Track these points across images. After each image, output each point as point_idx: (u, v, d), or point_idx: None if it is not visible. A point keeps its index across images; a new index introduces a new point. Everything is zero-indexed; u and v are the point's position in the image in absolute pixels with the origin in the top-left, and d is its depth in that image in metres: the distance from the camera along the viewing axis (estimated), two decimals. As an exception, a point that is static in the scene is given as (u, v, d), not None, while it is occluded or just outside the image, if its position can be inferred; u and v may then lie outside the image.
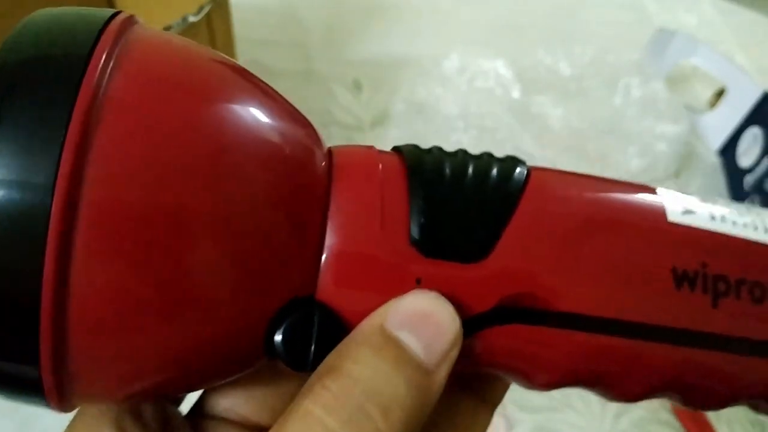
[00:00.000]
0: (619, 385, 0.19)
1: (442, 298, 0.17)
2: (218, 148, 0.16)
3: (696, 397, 0.19)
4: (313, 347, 0.17)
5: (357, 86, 0.61)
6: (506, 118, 0.56)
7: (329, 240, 0.17)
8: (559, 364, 0.18)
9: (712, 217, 0.19)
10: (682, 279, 0.18)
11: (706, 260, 0.19)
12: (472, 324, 0.18)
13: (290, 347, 0.17)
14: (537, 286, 0.18)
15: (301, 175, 0.17)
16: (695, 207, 0.20)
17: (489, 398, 0.23)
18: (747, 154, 0.56)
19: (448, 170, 0.18)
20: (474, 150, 0.20)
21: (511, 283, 0.18)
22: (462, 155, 0.19)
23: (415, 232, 0.17)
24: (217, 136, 0.16)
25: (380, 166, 0.18)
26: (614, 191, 0.20)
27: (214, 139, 0.16)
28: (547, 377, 0.19)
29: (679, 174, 0.58)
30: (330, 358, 0.16)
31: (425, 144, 0.19)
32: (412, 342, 0.16)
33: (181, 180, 0.15)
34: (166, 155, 0.15)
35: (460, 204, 0.18)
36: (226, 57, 0.18)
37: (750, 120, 0.56)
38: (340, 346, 0.17)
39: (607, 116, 0.58)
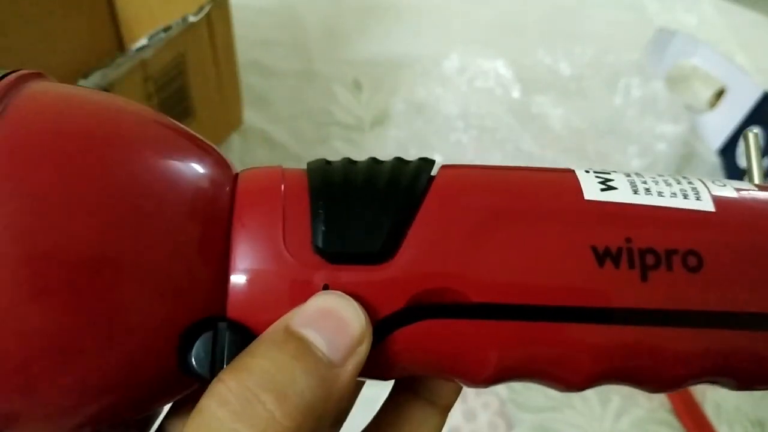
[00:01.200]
0: (560, 373, 0.19)
1: (346, 296, 0.17)
2: (109, 188, 0.16)
3: (645, 378, 0.19)
4: (226, 364, 0.17)
5: (357, 86, 0.61)
6: (506, 118, 0.56)
7: (235, 260, 0.18)
8: (487, 356, 0.18)
9: (635, 191, 0.19)
10: (605, 256, 0.18)
11: (629, 235, 0.18)
12: (386, 324, 0.18)
13: (202, 366, 0.17)
14: (448, 281, 0.18)
15: (201, 206, 0.18)
16: (617, 183, 0.19)
17: (438, 401, 0.23)
18: (747, 154, 0.56)
19: (349, 179, 0.19)
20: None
21: (420, 281, 0.18)
22: (367, 163, 0.19)
23: (317, 240, 0.18)
24: (109, 177, 0.16)
25: (282, 186, 0.19)
26: (526, 178, 0.20)
27: (104, 180, 0.16)
28: (480, 371, 0.19)
29: (679, 174, 0.58)
30: (234, 359, 0.17)
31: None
32: (314, 338, 0.17)
33: (67, 221, 0.16)
34: (52, 196, 0.16)
35: (360, 209, 0.18)
36: (133, 103, 0.19)
37: (750, 120, 0.56)
38: (246, 348, 0.17)
39: (607, 116, 0.58)
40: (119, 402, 0.17)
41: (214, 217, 0.18)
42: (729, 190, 0.20)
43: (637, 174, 0.20)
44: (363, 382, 0.25)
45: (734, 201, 0.19)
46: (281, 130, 0.57)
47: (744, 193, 0.20)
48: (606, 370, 0.18)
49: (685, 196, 0.19)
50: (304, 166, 0.20)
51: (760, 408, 0.45)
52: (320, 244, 0.18)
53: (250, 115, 0.57)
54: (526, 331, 0.18)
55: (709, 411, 0.45)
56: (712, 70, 0.60)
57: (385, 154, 0.63)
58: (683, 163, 0.58)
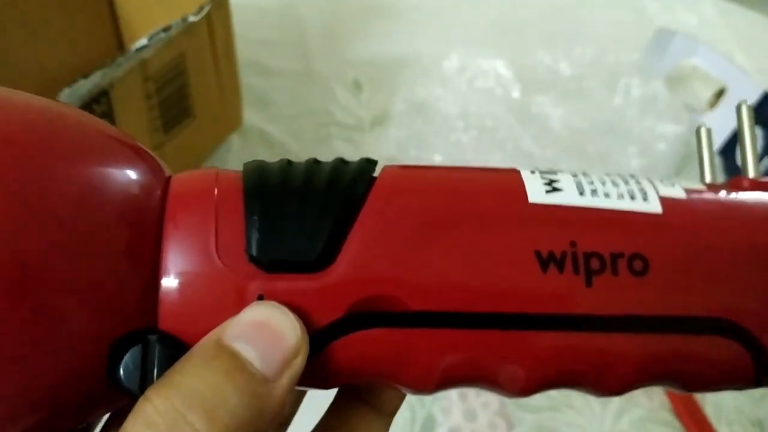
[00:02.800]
0: (502, 380, 0.18)
1: (282, 307, 0.17)
2: (26, 194, 0.16)
3: (589, 384, 0.18)
4: (156, 378, 0.17)
5: (357, 86, 0.61)
6: (506, 118, 0.56)
7: (165, 270, 0.17)
8: (428, 365, 0.18)
9: (581, 193, 0.18)
10: (548, 261, 0.17)
11: (574, 238, 0.18)
12: (324, 334, 0.17)
13: (131, 380, 0.17)
14: (388, 289, 0.17)
15: (127, 212, 0.17)
16: (563, 184, 0.19)
17: (382, 407, 0.22)
18: (747, 154, 0.56)
19: (286, 182, 0.18)
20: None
21: (359, 289, 0.17)
22: (307, 164, 0.19)
23: (251, 249, 0.17)
24: (27, 183, 0.16)
25: (216, 190, 0.18)
26: (470, 181, 0.19)
27: (22, 187, 0.16)
28: (422, 379, 0.18)
29: (679, 174, 0.58)
30: (163, 375, 0.16)
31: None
32: (247, 352, 0.16)
33: None
34: None
35: (297, 215, 0.17)
36: (60, 104, 0.18)
37: (750, 120, 0.56)
38: (176, 363, 0.16)
39: (607, 116, 0.58)
40: (48, 414, 0.16)
41: (142, 223, 0.17)
42: (677, 190, 0.19)
43: (584, 174, 0.19)
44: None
45: (682, 202, 0.19)
46: (281, 130, 0.57)
47: (693, 194, 0.19)
48: (549, 376, 0.18)
49: (632, 198, 0.19)
50: None
51: (760, 408, 0.45)
52: (254, 253, 0.17)
53: (250, 115, 0.57)
54: (467, 339, 0.18)
55: (709, 411, 0.45)
56: (712, 70, 0.60)
57: (385, 154, 0.63)
58: (683, 163, 0.58)
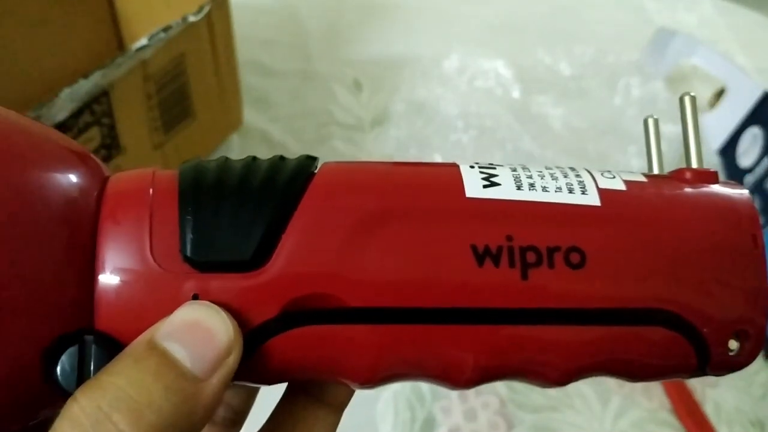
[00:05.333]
0: (444, 373, 0.18)
1: (214, 306, 0.17)
2: None
3: (529, 375, 0.19)
4: (92, 377, 0.17)
5: (357, 86, 0.61)
6: (506, 118, 0.56)
7: (100, 270, 0.17)
8: (367, 360, 0.18)
9: (519, 187, 0.19)
10: (484, 255, 0.18)
11: (510, 233, 0.18)
12: (260, 333, 0.17)
13: (69, 382, 0.17)
14: (324, 286, 0.17)
15: (59, 213, 0.17)
16: (501, 178, 0.19)
17: (330, 401, 0.22)
18: (747, 154, 0.56)
19: (221, 180, 0.18)
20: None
21: (294, 287, 0.17)
22: (244, 162, 0.19)
23: (185, 248, 0.17)
24: None
25: (151, 190, 0.18)
26: (408, 176, 0.19)
27: None
28: (362, 375, 0.18)
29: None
30: (94, 376, 0.16)
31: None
32: (178, 351, 0.16)
33: None
34: None
35: (231, 216, 0.17)
36: None
37: (750, 120, 0.56)
38: (108, 363, 0.17)
39: (607, 116, 0.58)
40: None
41: (78, 224, 0.17)
42: (617, 182, 0.19)
43: (523, 167, 0.19)
44: None
45: (621, 194, 0.19)
46: (281, 130, 0.57)
47: (632, 186, 0.19)
48: (489, 370, 0.18)
49: (571, 191, 0.19)
50: None
51: (760, 408, 0.45)
52: (188, 253, 0.17)
53: (250, 115, 0.57)
54: (406, 334, 0.18)
55: (709, 411, 0.45)
56: (712, 70, 0.60)
57: (385, 154, 0.63)
58: (683, 163, 0.58)
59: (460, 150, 0.54)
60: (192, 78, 0.48)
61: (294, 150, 0.56)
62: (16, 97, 0.49)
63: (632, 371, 0.19)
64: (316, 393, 0.22)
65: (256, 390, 0.25)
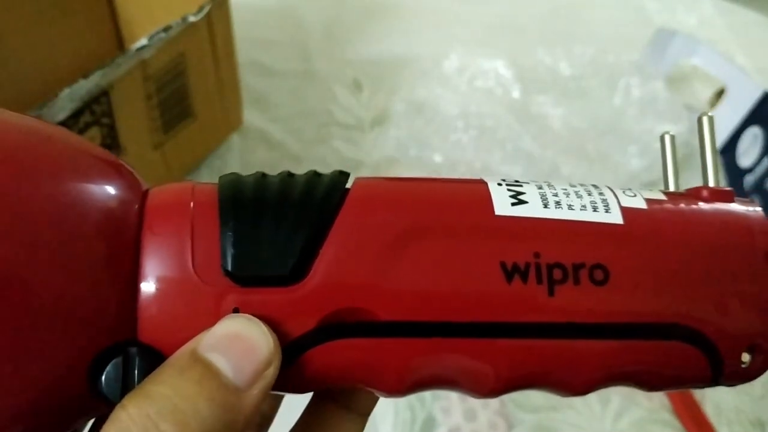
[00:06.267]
0: (470, 384, 0.19)
1: (254, 319, 0.17)
2: (6, 213, 0.16)
3: (552, 385, 0.19)
4: (138, 386, 0.17)
5: (357, 86, 0.61)
6: (506, 118, 0.56)
7: (143, 283, 0.17)
8: (399, 372, 0.18)
9: (546, 205, 0.19)
10: (513, 272, 0.18)
11: (538, 250, 0.18)
12: (297, 345, 0.18)
13: (113, 392, 0.17)
14: (359, 300, 0.18)
15: (103, 228, 0.17)
16: (528, 196, 0.19)
17: (356, 408, 0.23)
18: (747, 154, 0.56)
19: (259, 195, 0.18)
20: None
21: (331, 301, 0.18)
22: (280, 177, 0.19)
23: (226, 263, 0.18)
24: (7, 203, 0.16)
25: (192, 203, 0.18)
26: (438, 193, 0.20)
27: (2, 206, 0.16)
28: (393, 385, 0.19)
29: (680, 174, 0.58)
30: (139, 385, 0.17)
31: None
32: (220, 362, 0.17)
33: None
34: None
35: (271, 229, 0.18)
36: (37, 120, 0.18)
37: (750, 120, 0.56)
38: (152, 373, 0.17)
39: (607, 116, 0.58)
40: (32, 425, 0.17)
41: (120, 238, 0.17)
42: (639, 200, 0.20)
43: (549, 185, 0.20)
44: None
45: (643, 212, 0.20)
46: (281, 130, 0.57)
47: (654, 205, 0.20)
48: (515, 380, 0.19)
49: (595, 209, 0.19)
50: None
51: (760, 408, 0.45)
52: (229, 268, 0.18)
53: (250, 115, 0.57)
54: (436, 348, 0.18)
55: (709, 411, 0.45)
56: (712, 70, 0.60)
57: (385, 155, 0.63)
58: (683, 164, 0.58)
59: (460, 150, 0.54)
60: (192, 78, 0.48)
61: (294, 150, 0.56)
62: (16, 97, 0.49)
63: (649, 382, 0.20)
64: (342, 400, 0.23)
65: (282, 396, 0.25)
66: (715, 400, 0.45)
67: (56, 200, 0.17)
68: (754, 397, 0.46)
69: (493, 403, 0.43)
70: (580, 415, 0.44)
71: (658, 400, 0.45)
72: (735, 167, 0.57)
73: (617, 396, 0.45)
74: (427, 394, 0.43)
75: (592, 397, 0.45)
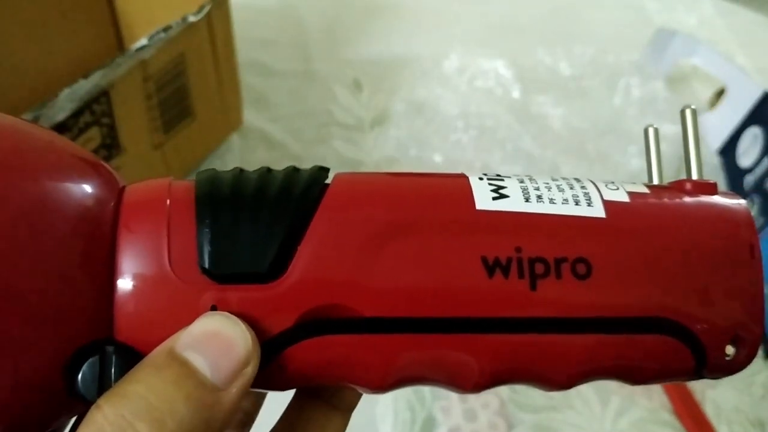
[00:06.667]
0: (452, 378, 0.19)
1: (232, 317, 0.17)
2: None
3: (535, 380, 0.19)
4: (114, 386, 0.17)
5: (357, 86, 0.61)
6: (506, 118, 0.56)
7: (120, 281, 0.17)
8: (380, 368, 0.18)
9: (527, 199, 0.19)
10: (494, 267, 0.18)
11: (520, 244, 0.18)
12: (276, 342, 0.18)
13: (90, 391, 0.17)
14: (339, 297, 0.18)
15: (77, 226, 0.17)
16: (509, 190, 0.19)
17: (339, 404, 0.23)
18: (747, 154, 0.56)
19: (237, 192, 0.18)
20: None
21: (310, 298, 0.18)
22: (259, 173, 0.19)
23: (203, 261, 0.17)
24: None
25: (168, 200, 0.18)
26: (419, 188, 0.19)
27: None
28: (374, 381, 0.19)
29: (679, 174, 0.58)
30: (115, 385, 0.17)
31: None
32: (198, 361, 0.16)
33: None
34: None
35: (248, 226, 0.18)
36: (12, 118, 0.18)
37: (750, 120, 0.56)
38: (128, 372, 0.17)
39: (607, 116, 0.58)
40: (8, 425, 0.16)
41: (96, 236, 0.17)
42: (621, 194, 0.20)
43: (530, 179, 0.20)
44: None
45: (624, 206, 0.19)
46: (281, 130, 0.57)
47: (635, 198, 0.20)
48: (498, 375, 0.19)
49: (577, 203, 0.19)
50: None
51: (760, 408, 0.45)
52: (206, 266, 0.17)
53: (250, 115, 0.57)
54: (417, 343, 0.18)
55: (709, 411, 0.45)
56: (712, 70, 0.60)
57: (385, 155, 0.63)
58: (683, 164, 0.58)
59: (460, 150, 0.54)
60: (192, 78, 0.48)
61: (294, 150, 0.56)
62: (16, 97, 0.49)
63: (633, 375, 0.20)
64: (325, 396, 0.23)
65: (265, 394, 0.25)
66: (715, 400, 0.45)
67: (29, 197, 0.16)
68: (754, 397, 0.46)
69: (493, 403, 0.43)
70: (580, 415, 0.44)
71: (658, 400, 0.45)
72: (735, 167, 0.57)
73: (617, 396, 0.45)
74: (428, 395, 0.43)
75: (592, 397, 0.45)
